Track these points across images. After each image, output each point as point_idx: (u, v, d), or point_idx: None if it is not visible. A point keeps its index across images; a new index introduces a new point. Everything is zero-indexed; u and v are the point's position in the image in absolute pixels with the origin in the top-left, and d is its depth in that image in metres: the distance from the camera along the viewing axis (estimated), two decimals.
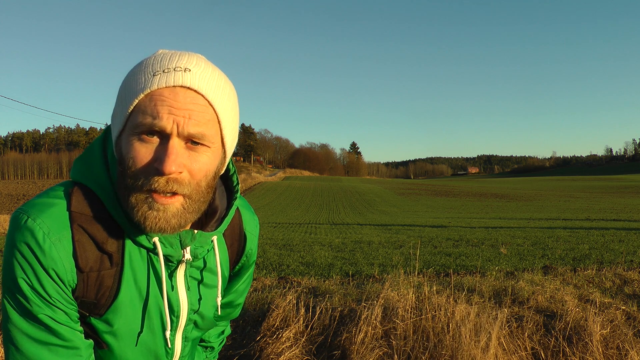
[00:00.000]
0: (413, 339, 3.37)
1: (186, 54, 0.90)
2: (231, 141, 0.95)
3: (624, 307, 4.17)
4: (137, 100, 0.85)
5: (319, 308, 3.77)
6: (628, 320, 3.94)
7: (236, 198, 1.06)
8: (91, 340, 0.98)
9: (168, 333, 1.04)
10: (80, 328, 0.95)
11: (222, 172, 0.99)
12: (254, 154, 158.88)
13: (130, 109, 0.86)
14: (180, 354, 1.12)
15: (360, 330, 3.39)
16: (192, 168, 0.88)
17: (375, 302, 3.67)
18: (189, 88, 0.85)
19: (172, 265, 1.00)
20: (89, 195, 0.93)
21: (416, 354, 3.30)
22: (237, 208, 1.14)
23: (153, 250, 0.97)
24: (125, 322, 0.98)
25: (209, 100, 0.87)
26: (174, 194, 0.87)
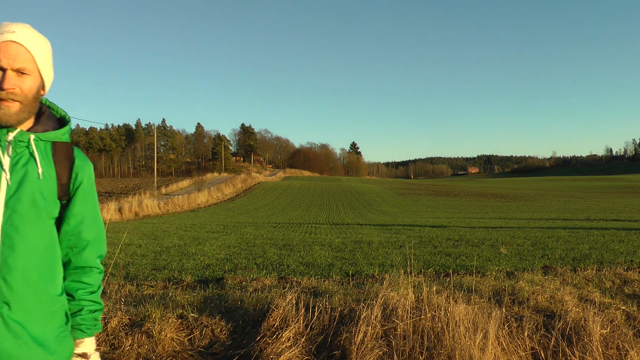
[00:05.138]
0: (412, 339, 3.38)
1: (15, 23, 1.53)
2: (46, 73, 1.59)
3: (624, 307, 4.17)
4: None
5: (319, 308, 3.77)
6: (628, 320, 3.95)
7: (65, 125, 1.65)
8: None
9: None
10: None
11: (44, 94, 1.62)
12: (254, 154, 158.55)
13: None
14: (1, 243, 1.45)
15: (359, 330, 3.39)
16: (22, 87, 1.51)
17: (374, 302, 3.67)
18: (14, 42, 1.50)
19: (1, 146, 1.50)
20: None
21: (415, 353, 3.31)
22: (74, 148, 1.66)
23: None
24: None
25: (27, 48, 1.52)
26: (13, 100, 1.49)
